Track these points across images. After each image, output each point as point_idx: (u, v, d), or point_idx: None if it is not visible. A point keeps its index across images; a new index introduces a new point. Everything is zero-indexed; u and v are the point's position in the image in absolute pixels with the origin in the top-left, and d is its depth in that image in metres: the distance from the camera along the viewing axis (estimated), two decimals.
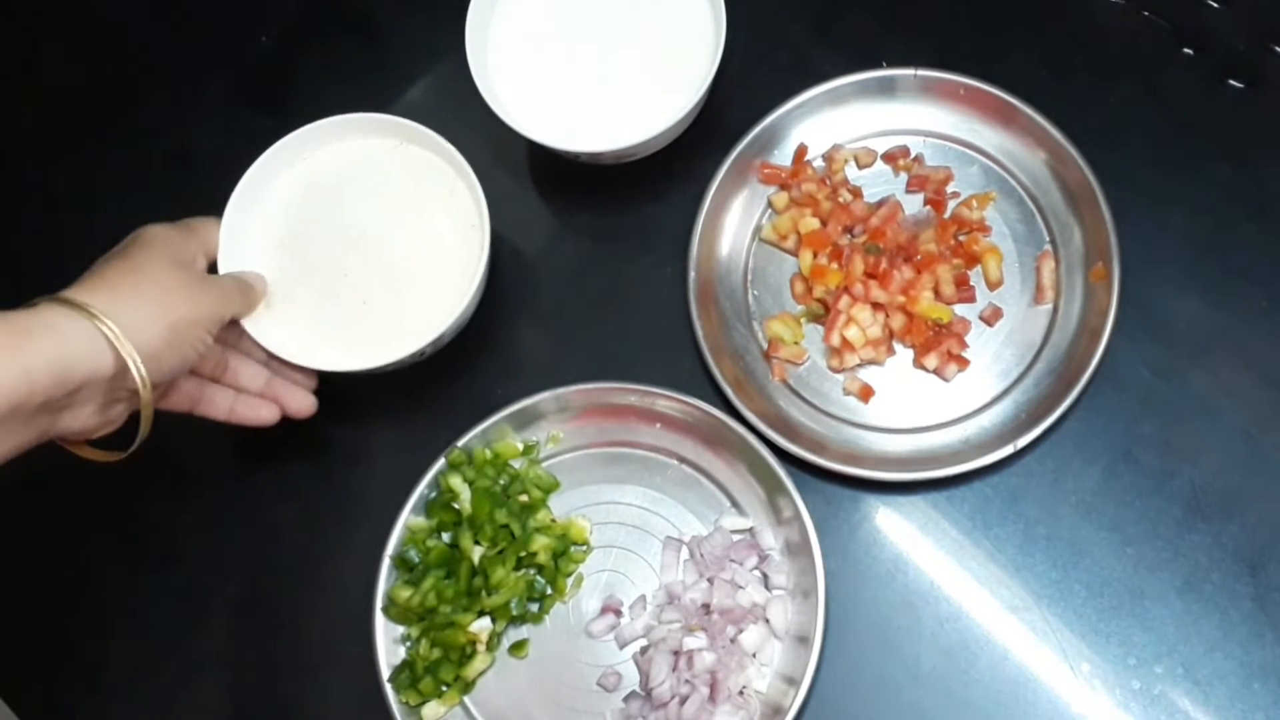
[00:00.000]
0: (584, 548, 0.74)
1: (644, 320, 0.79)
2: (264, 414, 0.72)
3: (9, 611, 0.79)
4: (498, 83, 0.77)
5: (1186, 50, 0.80)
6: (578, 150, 0.76)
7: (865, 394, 0.75)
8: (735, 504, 0.74)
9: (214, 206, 0.73)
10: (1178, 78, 0.79)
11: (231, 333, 0.71)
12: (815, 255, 0.77)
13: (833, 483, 0.73)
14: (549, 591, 0.72)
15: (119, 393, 0.62)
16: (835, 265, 0.76)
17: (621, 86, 0.78)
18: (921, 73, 0.78)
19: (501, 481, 0.74)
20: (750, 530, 0.73)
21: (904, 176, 0.79)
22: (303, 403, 0.73)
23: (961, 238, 0.77)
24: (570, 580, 0.73)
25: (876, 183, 0.79)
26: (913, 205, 0.78)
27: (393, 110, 0.76)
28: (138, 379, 0.60)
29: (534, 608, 0.72)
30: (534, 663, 0.72)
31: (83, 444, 0.66)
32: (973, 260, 0.76)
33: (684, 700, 0.68)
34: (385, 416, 0.80)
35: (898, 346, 0.76)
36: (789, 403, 0.76)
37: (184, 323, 0.63)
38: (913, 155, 0.79)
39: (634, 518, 0.74)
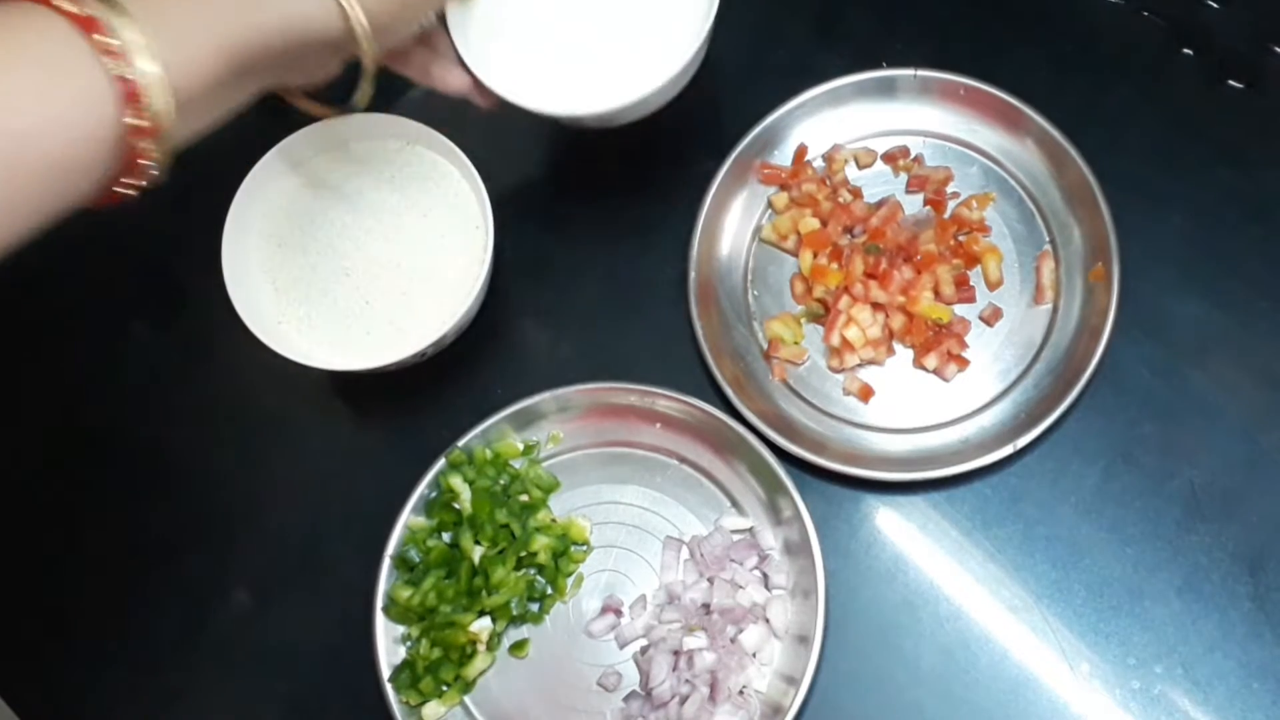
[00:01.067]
0: (584, 547, 0.74)
1: (644, 320, 0.79)
2: (457, 81, 0.71)
3: (9, 611, 0.79)
4: (475, 37, 0.72)
5: (1186, 50, 0.80)
6: (563, 114, 0.72)
7: (865, 394, 0.75)
8: (735, 504, 0.74)
9: (216, 207, 0.73)
10: (1177, 78, 0.79)
11: None
12: (815, 255, 0.77)
13: (833, 483, 0.73)
14: (549, 591, 0.72)
15: (342, 53, 0.62)
16: (835, 265, 0.76)
17: (604, 46, 0.74)
18: (921, 73, 0.78)
19: (502, 481, 0.74)
20: (750, 530, 0.73)
21: (904, 177, 0.79)
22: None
23: (961, 238, 0.77)
24: (570, 580, 0.73)
25: (876, 183, 0.79)
26: (913, 205, 0.78)
27: (395, 110, 0.76)
28: (364, 50, 0.60)
29: (534, 607, 0.72)
30: (534, 662, 0.72)
31: (301, 95, 0.66)
32: (972, 260, 0.76)
33: (684, 700, 0.68)
34: (385, 416, 0.80)
35: (898, 346, 0.76)
36: (789, 403, 0.76)
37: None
38: (912, 155, 0.79)
39: (634, 518, 0.74)
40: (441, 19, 0.70)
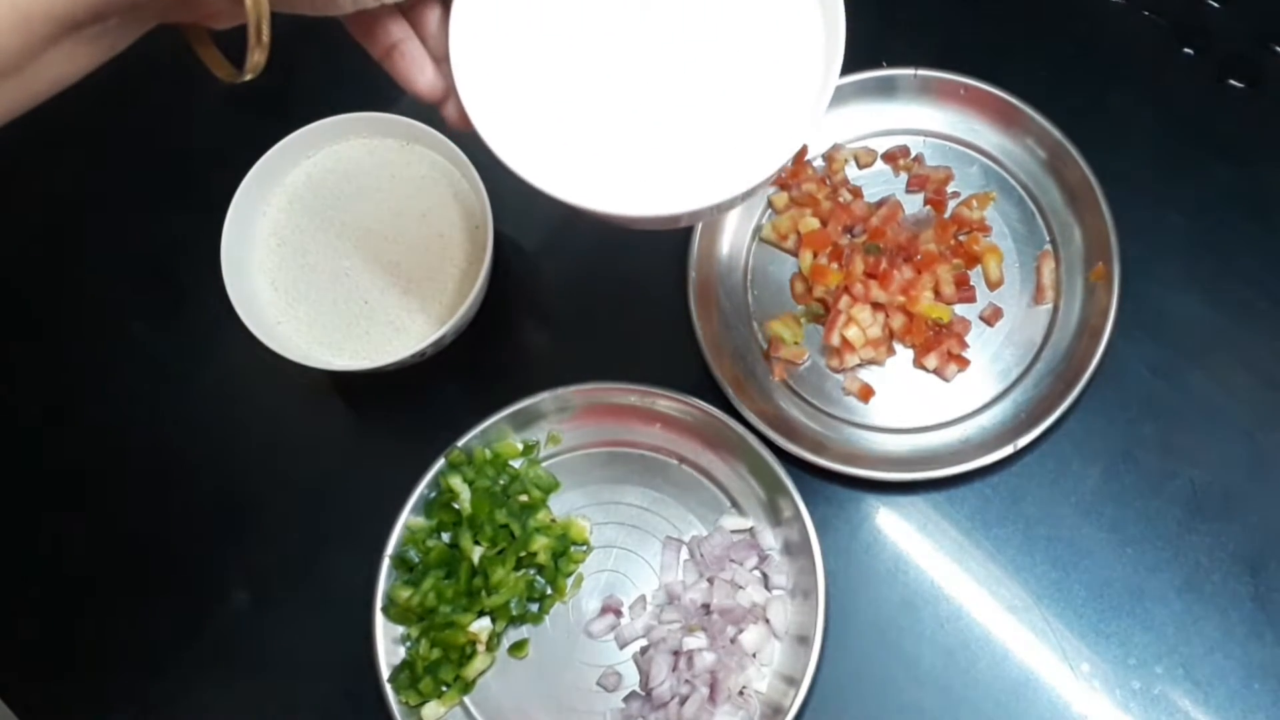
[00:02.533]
0: (584, 548, 0.74)
1: (644, 320, 0.79)
2: (424, 83, 0.52)
3: (8, 611, 0.78)
4: (482, 81, 0.51)
5: (1186, 50, 0.80)
6: (590, 208, 0.50)
7: (865, 394, 0.75)
8: (735, 504, 0.74)
9: (215, 207, 0.73)
10: (1178, 78, 0.79)
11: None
12: (815, 255, 0.77)
13: (833, 483, 0.73)
14: (549, 591, 0.72)
15: None
16: (835, 265, 0.76)
17: (670, 124, 0.50)
18: (922, 72, 0.78)
19: (501, 481, 0.74)
20: (750, 530, 0.73)
21: (904, 176, 0.79)
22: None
23: (961, 237, 0.77)
24: (570, 580, 0.73)
25: (876, 182, 0.79)
26: (913, 205, 0.78)
27: (395, 109, 0.76)
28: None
29: (534, 608, 0.72)
30: (534, 663, 0.72)
31: (207, 40, 0.54)
32: (973, 260, 0.76)
33: (684, 700, 0.68)
34: (385, 416, 0.80)
35: (898, 346, 0.76)
36: (789, 403, 0.76)
37: None
38: (913, 155, 0.79)
39: (634, 518, 0.74)
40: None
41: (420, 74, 0.52)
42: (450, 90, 0.52)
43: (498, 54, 0.51)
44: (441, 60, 0.52)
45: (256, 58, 0.51)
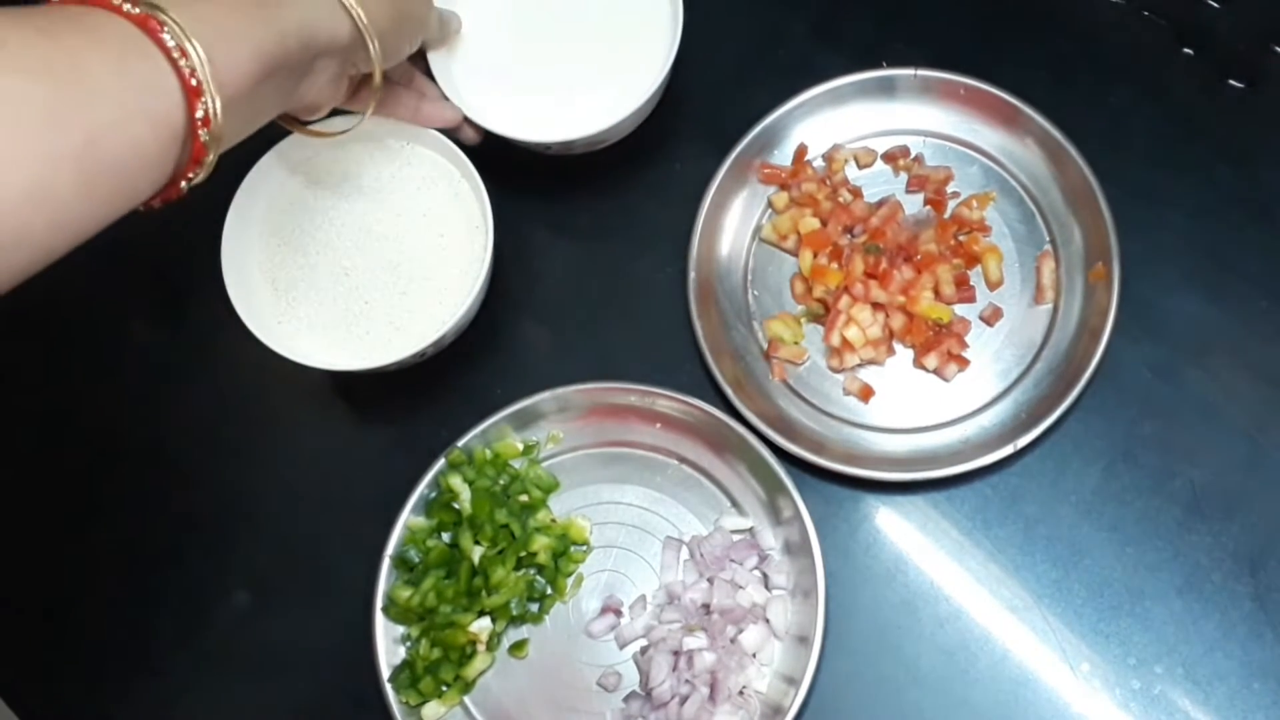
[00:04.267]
0: (584, 548, 0.74)
1: (644, 320, 0.79)
2: (450, 114, 0.76)
3: (9, 611, 0.79)
4: (460, 78, 0.78)
5: (1186, 50, 0.80)
6: (547, 140, 0.75)
7: (865, 394, 0.75)
8: (735, 504, 0.74)
9: (215, 207, 0.73)
10: (1178, 78, 0.79)
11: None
12: (815, 255, 0.77)
13: (833, 483, 0.73)
14: (549, 591, 0.72)
15: (349, 68, 0.65)
16: (835, 265, 0.76)
17: (582, 73, 0.78)
18: (922, 72, 0.78)
19: (501, 481, 0.74)
20: (750, 530, 0.73)
21: (904, 176, 0.79)
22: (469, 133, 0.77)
23: (961, 238, 0.77)
24: (570, 580, 0.73)
25: (876, 183, 0.79)
26: (913, 205, 0.78)
27: None
28: (372, 51, 0.63)
29: (534, 608, 0.72)
30: (534, 663, 0.72)
31: (301, 125, 0.71)
32: (973, 260, 0.76)
33: (684, 700, 0.68)
34: (385, 416, 0.80)
35: (898, 346, 0.76)
36: (789, 403, 0.76)
37: (409, 13, 0.68)
38: (913, 155, 0.79)
39: (634, 518, 0.74)
40: (424, 65, 0.76)
41: (442, 115, 0.76)
42: (461, 116, 0.76)
43: (471, 80, 0.78)
44: (443, 100, 0.76)
45: (376, 92, 0.67)
